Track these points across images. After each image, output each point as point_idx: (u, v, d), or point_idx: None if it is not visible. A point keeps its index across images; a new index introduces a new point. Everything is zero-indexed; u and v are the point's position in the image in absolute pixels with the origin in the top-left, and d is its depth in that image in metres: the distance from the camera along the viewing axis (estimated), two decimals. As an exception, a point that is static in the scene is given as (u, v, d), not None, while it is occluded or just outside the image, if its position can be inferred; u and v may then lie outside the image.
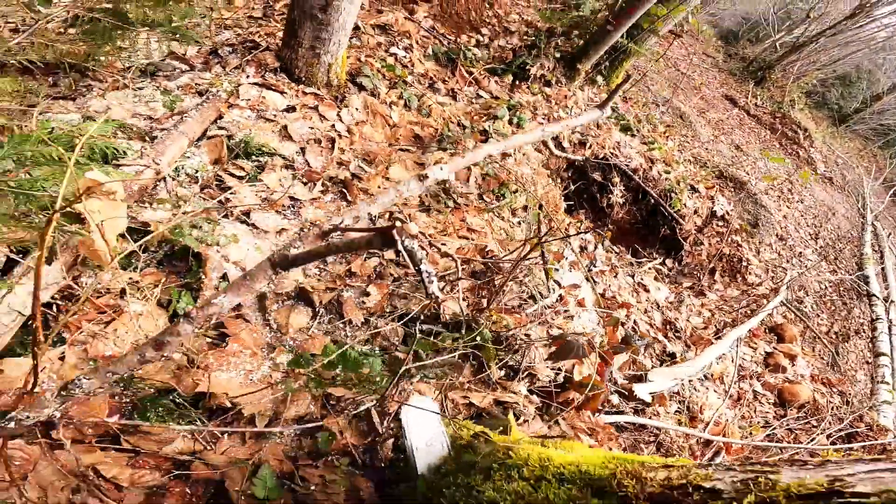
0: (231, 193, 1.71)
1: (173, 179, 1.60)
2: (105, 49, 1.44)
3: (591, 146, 3.57)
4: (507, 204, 2.63)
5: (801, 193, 6.75)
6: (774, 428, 3.45)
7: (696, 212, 4.02)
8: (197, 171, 1.68)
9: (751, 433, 3.13)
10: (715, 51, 9.50)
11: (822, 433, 3.62)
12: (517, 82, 3.38)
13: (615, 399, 2.13)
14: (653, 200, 3.86)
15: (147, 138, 1.58)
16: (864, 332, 5.89)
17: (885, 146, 12.52)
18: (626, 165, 3.71)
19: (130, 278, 1.37)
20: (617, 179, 3.73)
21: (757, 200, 5.88)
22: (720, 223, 4.21)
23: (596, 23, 3.36)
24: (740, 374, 3.45)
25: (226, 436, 1.26)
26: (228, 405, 1.31)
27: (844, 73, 11.95)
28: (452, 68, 3.20)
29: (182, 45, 1.89)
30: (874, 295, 6.09)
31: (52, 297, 1.30)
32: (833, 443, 3.77)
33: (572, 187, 3.74)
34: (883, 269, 6.79)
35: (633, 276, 3.18)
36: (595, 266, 2.84)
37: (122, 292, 1.35)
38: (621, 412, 2.08)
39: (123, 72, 1.69)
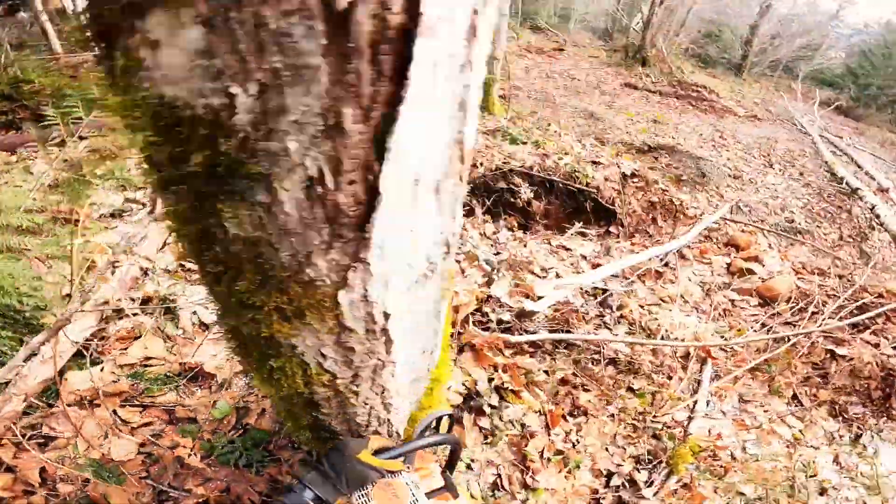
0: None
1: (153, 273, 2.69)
2: (81, 202, 2.57)
3: (481, 165, 4.65)
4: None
5: (733, 137, 7.66)
6: (770, 327, 3.91)
7: (606, 179, 4.91)
8: (168, 266, 2.77)
9: (724, 337, 3.62)
10: (597, 51, 11.29)
11: (823, 316, 4.01)
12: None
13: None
14: (561, 184, 4.81)
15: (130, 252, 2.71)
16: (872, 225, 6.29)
17: (789, 74, 14.15)
18: (521, 167, 4.73)
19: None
20: (519, 180, 4.73)
21: (692, 155, 6.77)
22: (636, 181, 5.08)
23: None
24: (705, 290, 4.02)
25: (199, 389, 2.13)
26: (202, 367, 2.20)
27: (708, 30, 14.16)
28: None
29: (133, 191, 3.10)
30: (858, 188, 6.60)
31: (86, 339, 2.26)
32: (841, 319, 4.11)
33: (488, 202, 4.73)
34: (857, 164, 7.37)
35: (549, 243, 4.00)
36: (503, 243, 3.71)
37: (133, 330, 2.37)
38: (534, 332, 2.77)
39: (99, 219, 2.87)
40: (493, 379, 2.48)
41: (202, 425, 1.93)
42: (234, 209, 0.66)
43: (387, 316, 0.91)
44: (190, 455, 1.78)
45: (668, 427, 2.74)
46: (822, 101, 11.78)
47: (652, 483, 2.44)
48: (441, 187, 0.79)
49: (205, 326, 2.47)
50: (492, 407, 2.44)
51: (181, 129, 0.58)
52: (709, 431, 2.81)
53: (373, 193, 0.65)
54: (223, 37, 0.49)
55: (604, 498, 2.36)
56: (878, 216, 6.12)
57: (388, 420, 1.59)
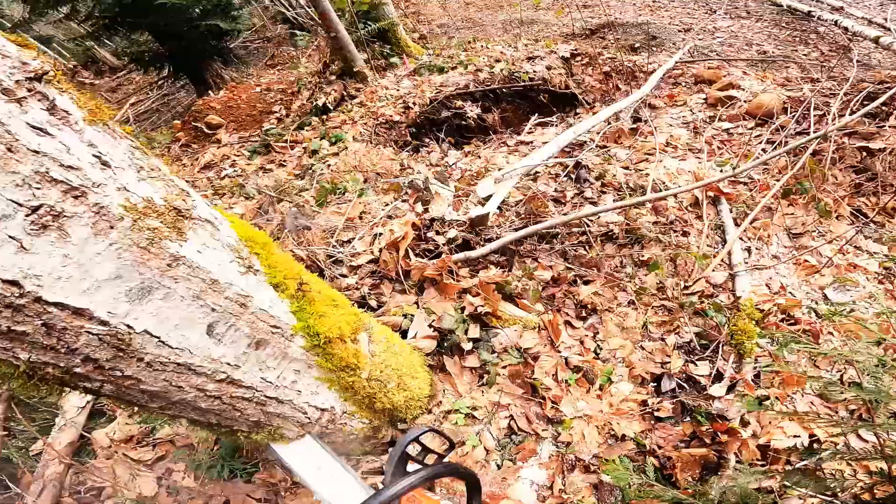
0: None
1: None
2: None
3: (414, 104, 3.90)
4: (343, 191, 2.93)
5: None
6: (779, 142, 3.08)
7: (549, 68, 4.11)
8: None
9: (732, 167, 2.82)
10: None
11: (831, 115, 3.18)
12: (324, 116, 3.89)
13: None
14: (503, 90, 4.04)
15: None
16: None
17: None
18: (455, 90, 3.97)
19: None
20: (460, 103, 3.97)
21: (635, 24, 5.89)
22: (579, 59, 4.25)
23: (328, 41, 3.94)
24: (692, 129, 3.22)
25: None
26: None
27: None
28: (270, 149, 3.77)
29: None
30: (811, 11, 5.71)
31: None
32: (853, 112, 3.27)
33: (440, 134, 3.99)
34: None
35: (506, 144, 3.27)
36: (452, 165, 2.99)
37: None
38: (496, 237, 2.07)
39: None
40: (464, 308, 1.80)
41: (196, 447, 1.81)
42: None
43: (14, 283, 0.67)
44: (184, 478, 1.72)
45: (709, 296, 2.00)
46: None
47: (721, 376, 1.70)
48: None
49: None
50: (474, 340, 1.76)
51: None
52: (767, 287, 2.05)
53: None
54: None
55: (658, 409, 1.65)
56: (846, 28, 5.28)
57: (276, 398, 1.14)
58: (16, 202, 0.65)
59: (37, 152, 0.67)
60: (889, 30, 5.02)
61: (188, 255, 0.84)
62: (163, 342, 0.85)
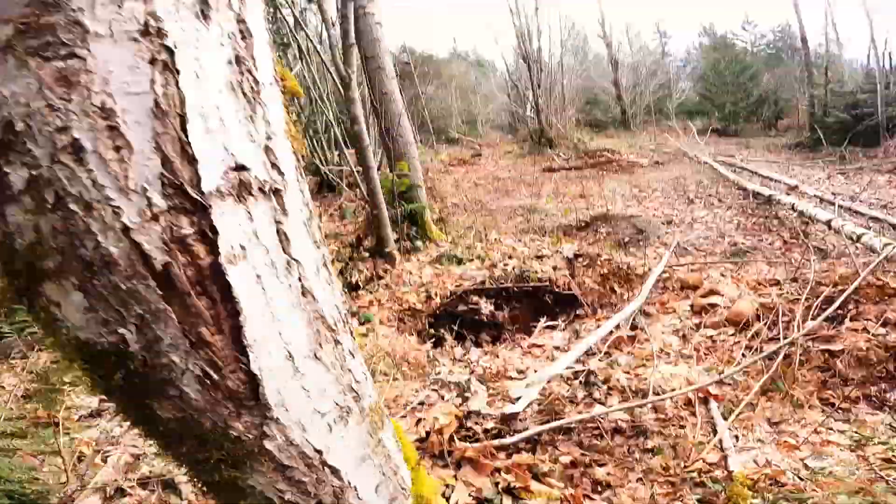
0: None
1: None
2: (56, 408, 2.53)
3: (436, 295, 4.90)
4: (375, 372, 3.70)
5: (649, 188, 8.55)
6: (755, 348, 3.98)
7: (554, 268, 5.24)
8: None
9: (718, 373, 3.67)
10: (509, 146, 12.83)
11: (796, 320, 4.16)
12: (352, 293, 4.84)
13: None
14: (515, 289, 5.08)
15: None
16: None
17: (663, 116, 17.36)
18: (473, 285, 5.01)
19: None
20: (476, 298, 4.96)
21: (624, 216, 7.36)
22: (581, 260, 5.44)
23: (368, 217, 5.10)
24: (681, 337, 4.14)
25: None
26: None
27: (587, 97, 16.84)
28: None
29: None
30: (772, 195, 7.36)
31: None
32: (814, 318, 4.26)
33: (455, 327, 4.86)
34: (759, 174, 8.42)
35: (520, 346, 4.16)
36: (474, 361, 3.84)
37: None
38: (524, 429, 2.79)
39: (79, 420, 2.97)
40: (498, 483, 2.45)
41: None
42: (158, 402, 0.88)
43: (319, 451, 1.12)
44: None
45: (706, 472, 2.65)
46: (698, 130, 13.68)
47: (722, 534, 2.32)
48: (319, 354, 1.04)
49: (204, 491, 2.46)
50: (507, 510, 2.38)
51: (99, 358, 0.82)
52: (755, 462, 2.71)
53: (251, 376, 0.90)
54: (97, 298, 0.75)
55: (669, 562, 2.23)
56: (801, 212, 6.65)
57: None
58: (338, 404, 1.12)
59: (349, 370, 1.13)
60: (833, 204, 6.37)
61: (384, 439, 1.46)
62: (359, 496, 1.38)
